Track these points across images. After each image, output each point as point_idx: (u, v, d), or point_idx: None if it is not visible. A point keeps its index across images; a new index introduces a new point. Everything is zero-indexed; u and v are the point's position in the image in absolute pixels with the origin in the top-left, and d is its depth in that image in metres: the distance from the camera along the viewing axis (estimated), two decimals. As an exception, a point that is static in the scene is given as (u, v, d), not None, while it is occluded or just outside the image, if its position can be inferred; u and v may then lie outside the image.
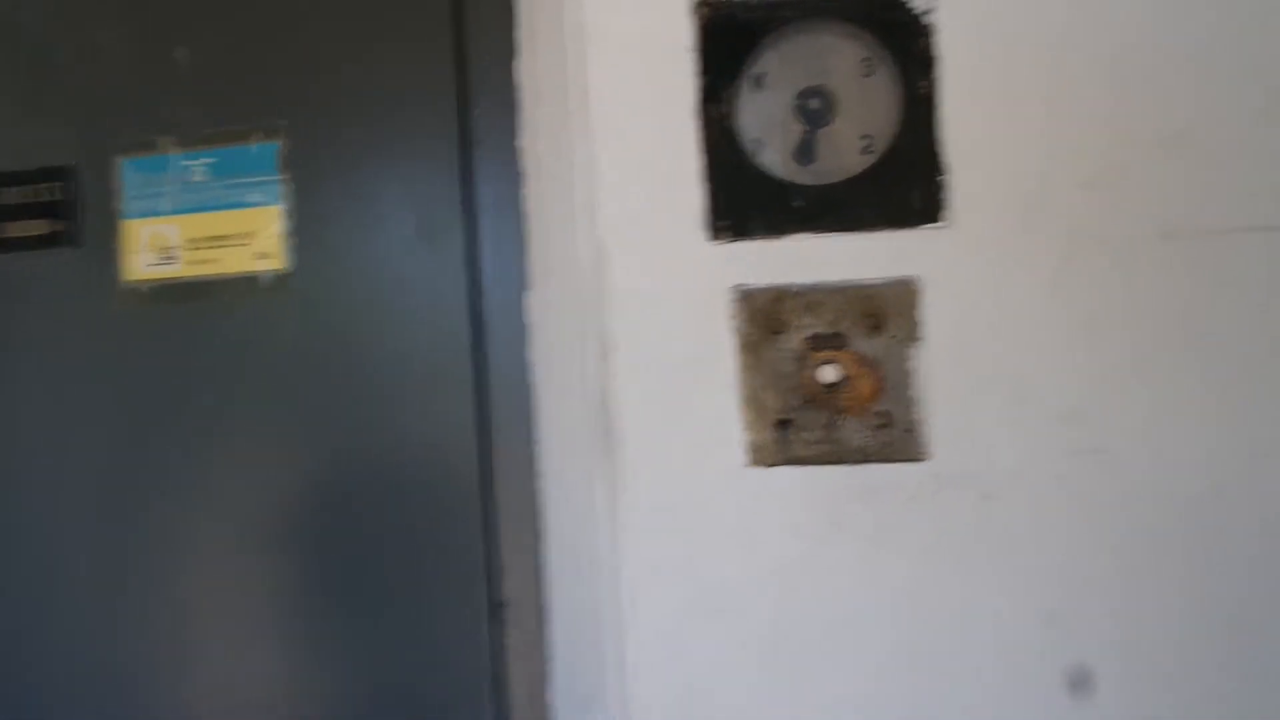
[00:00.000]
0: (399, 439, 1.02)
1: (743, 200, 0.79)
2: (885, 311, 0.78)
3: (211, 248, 1.08)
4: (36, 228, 1.11)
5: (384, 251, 1.03)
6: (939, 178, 0.77)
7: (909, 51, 0.77)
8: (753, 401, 0.79)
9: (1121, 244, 0.75)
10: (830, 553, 0.78)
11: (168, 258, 1.08)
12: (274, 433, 1.04)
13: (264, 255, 1.06)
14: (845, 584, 0.78)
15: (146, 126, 1.09)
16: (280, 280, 1.06)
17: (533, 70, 0.97)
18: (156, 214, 1.09)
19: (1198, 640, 0.74)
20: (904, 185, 0.77)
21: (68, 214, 1.11)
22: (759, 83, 0.79)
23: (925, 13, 0.76)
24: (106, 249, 1.09)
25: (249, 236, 1.07)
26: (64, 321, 1.09)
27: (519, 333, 1.01)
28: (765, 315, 0.79)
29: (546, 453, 0.99)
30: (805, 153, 0.79)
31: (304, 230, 1.05)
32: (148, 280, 1.09)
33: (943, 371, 0.77)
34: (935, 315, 0.77)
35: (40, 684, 1.08)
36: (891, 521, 0.78)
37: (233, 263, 1.07)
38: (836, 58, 0.79)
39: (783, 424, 0.79)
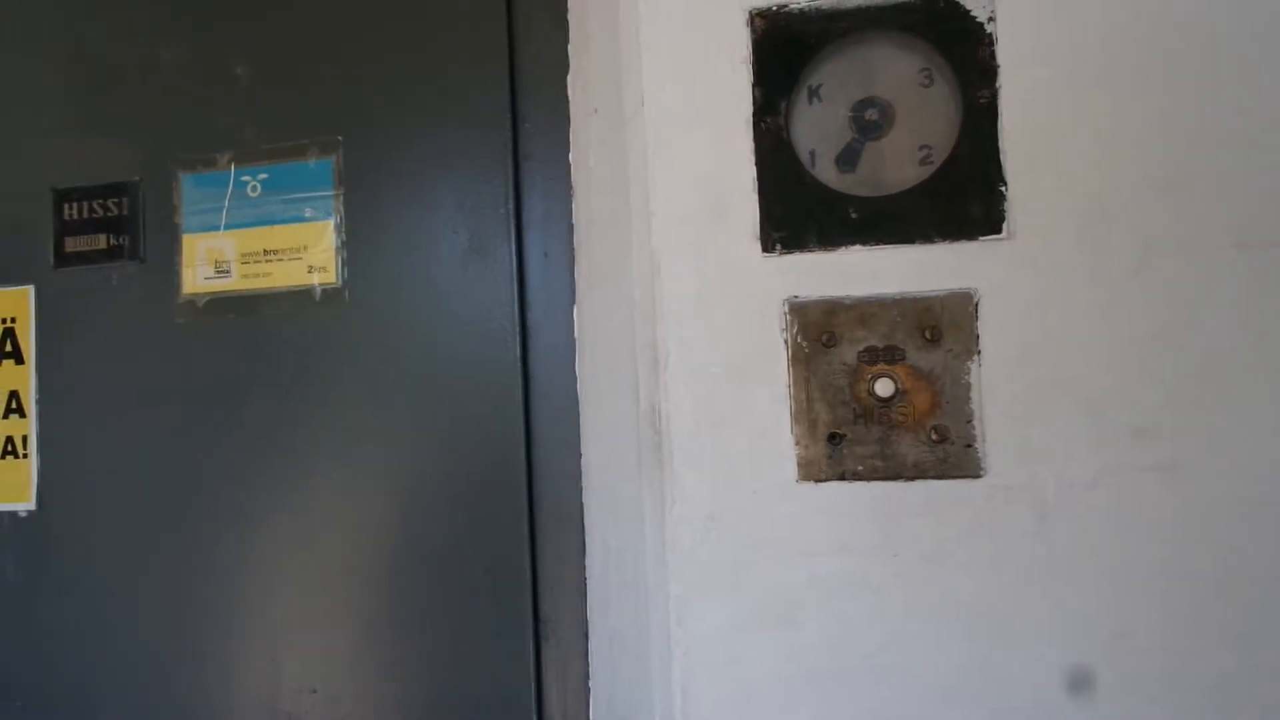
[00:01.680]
0: (448, 452, 1.03)
1: (797, 212, 0.79)
2: (942, 324, 0.76)
3: (266, 261, 1.10)
4: (99, 242, 1.14)
5: (435, 265, 1.04)
6: (999, 188, 0.75)
7: (968, 61, 0.76)
8: (805, 415, 0.78)
9: (1192, 253, 0.73)
10: (885, 569, 0.76)
11: (223, 271, 1.11)
12: (323, 445, 1.05)
13: (317, 269, 1.08)
14: (901, 602, 0.76)
15: (207, 143, 1.12)
16: (333, 294, 1.07)
17: (584, 84, 0.98)
18: (214, 229, 1.12)
19: (1271, 660, 0.70)
20: (963, 196, 0.76)
21: (130, 228, 1.14)
22: (815, 94, 0.79)
23: (985, 21, 0.75)
24: (167, 263, 1.12)
25: (303, 250, 1.09)
26: (126, 333, 1.12)
27: (567, 345, 1.01)
28: (818, 327, 0.78)
29: (592, 466, 0.99)
30: (860, 164, 0.78)
31: (356, 244, 1.07)
32: (204, 293, 1.11)
33: (1002, 385, 0.75)
34: (994, 328, 0.75)
35: (99, 685, 1.09)
36: (949, 539, 0.76)
37: (286, 276, 1.09)
38: (894, 68, 0.78)
39: (835, 438, 0.77)
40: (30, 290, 1.14)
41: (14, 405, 1.14)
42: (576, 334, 1.01)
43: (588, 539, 1.00)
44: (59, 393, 1.13)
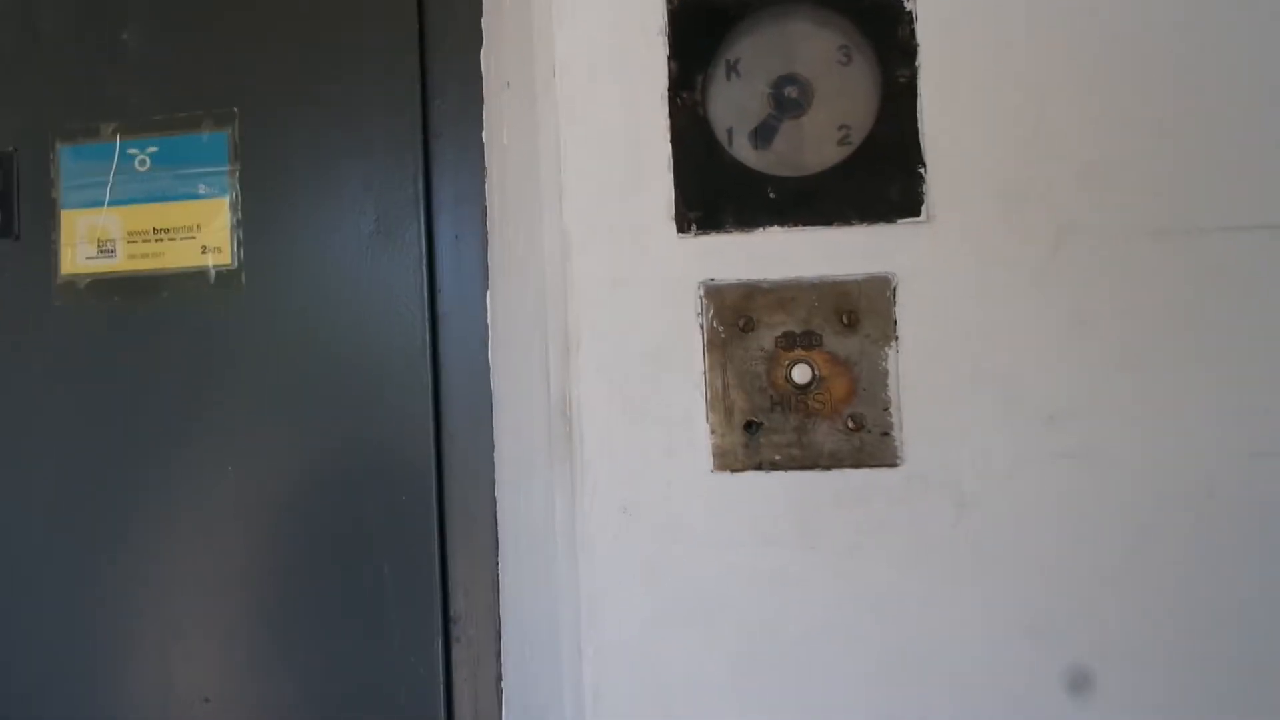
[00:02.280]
0: (352, 443, 0.97)
1: (713, 191, 0.76)
2: (860, 309, 0.74)
3: (155, 241, 1.02)
4: None
5: (338, 247, 0.99)
6: (918, 170, 0.73)
7: (888, 39, 0.74)
8: (721, 402, 0.75)
9: (1111, 240, 0.72)
10: (803, 561, 0.73)
11: (107, 251, 1.03)
12: (218, 435, 0.99)
13: (211, 249, 1.01)
14: (820, 593, 0.73)
15: (90, 112, 1.03)
16: (228, 276, 1.00)
17: (498, 59, 0.93)
18: (97, 204, 1.03)
19: (1193, 645, 0.70)
20: (882, 178, 0.74)
21: (3, 204, 1.05)
22: (733, 69, 0.76)
23: (905, -1, 0.74)
24: (43, 241, 1.03)
25: (196, 230, 1.02)
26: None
27: (478, 333, 0.96)
28: (735, 311, 0.75)
29: (505, 459, 0.94)
30: (779, 142, 0.76)
31: (254, 224, 1.00)
32: (85, 274, 1.03)
33: (920, 372, 0.73)
34: (912, 313, 0.74)
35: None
36: (867, 529, 0.74)
37: (177, 257, 1.02)
38: (814, 44, 0.76)
39: (752, 426, 0.74)
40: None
41: None
42: (489, 321, 0.96)
43: (500, 535, 0.95)
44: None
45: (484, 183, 0.96)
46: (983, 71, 0.73)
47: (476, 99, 0.96)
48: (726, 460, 0.75)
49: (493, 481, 0.96)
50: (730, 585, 0.75)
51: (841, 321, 0.74)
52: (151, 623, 0.98)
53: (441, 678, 0.94)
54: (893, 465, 0.73)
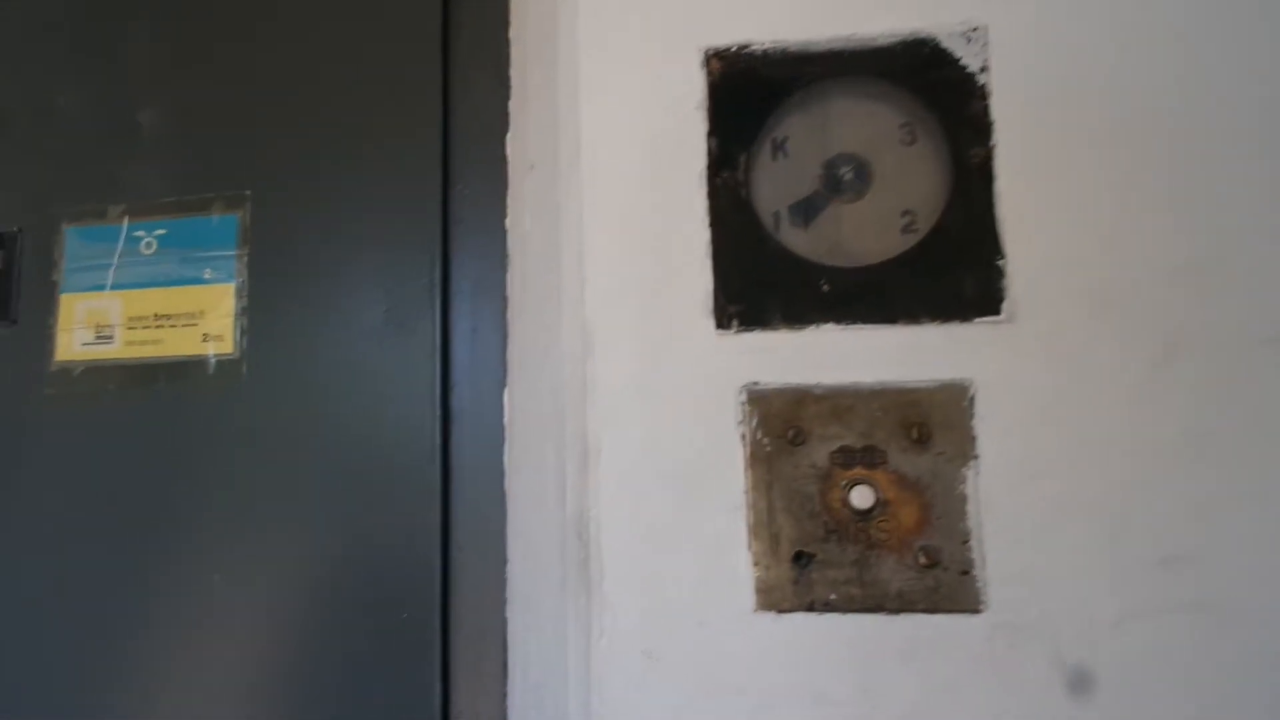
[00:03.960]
0: (353, 549, 0.87)
1: (758, 283, 0.66)
2: (932, 421, 0.63)
3: (156, 327, 0.95)
4: None
5: (347, 337, 0.90)
6: (996, 261, 0.63)
7: (958, 115, 0.65)
8: (765, 529, 0.63)
9: (1222, 346, 0.61)
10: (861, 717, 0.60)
11: (105, 337, 0.96)
12: (214, 534, 0.89)
13: (213, 337, 0.94)
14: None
15: (99, 193, 0.98)
16: (229, 365, 0.93)
17: (523, 140, 0.86)
18: (99, 288, 0.97)
19: None
20: (954, 270, 0.64)
21: (2, 285, 0.99)
22: (780, 148, 0.68)
23: (977, 71, 0.65)
24: (39, 325, 0.97)
25: (199, 316, 0.95)
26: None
27: (494, 434, 0.87)
28: (783, 421, 0.64)
29: (517, 575, 0.83)
30: (833, 229, 0.66)
31: (259, 310, 0.93)
32: (80, 360, 0.96)
33: (1006, 498, 0.62)
34: (994, 428, 0.62)
35: None
36: (940, 688, 0.61)
37: (177, 344, 0.94)
38: (872, 122, 0.67)
39: (802, 558, 0.63)
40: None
41: None
42: (506, 421, 0.86)
43: (510, 665, 0.83)
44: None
45: (505, 272, 0.88)
46: (1066, 152, 0.64)
47: (501, 183, 0.89)
48: (772, 598, 0.63)
49: (504, 601, 0.84)
50: (775, 751, 0.62)
51: (910, 436, 0.63)
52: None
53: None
54: (974, 611, 0.61)
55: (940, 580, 0.62)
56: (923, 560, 0.62)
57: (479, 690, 0.84)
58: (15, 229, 1.00)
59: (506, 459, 0.85)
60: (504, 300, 0.88)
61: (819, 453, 0.64)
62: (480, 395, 0.88)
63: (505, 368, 0.87)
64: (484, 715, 0.84)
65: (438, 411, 0.88)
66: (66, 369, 0.96)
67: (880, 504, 0.63)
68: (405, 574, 0.86)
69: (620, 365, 0.67)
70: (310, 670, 0.86)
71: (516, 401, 0.85)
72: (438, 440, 0.87)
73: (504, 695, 0.84)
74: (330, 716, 0.84)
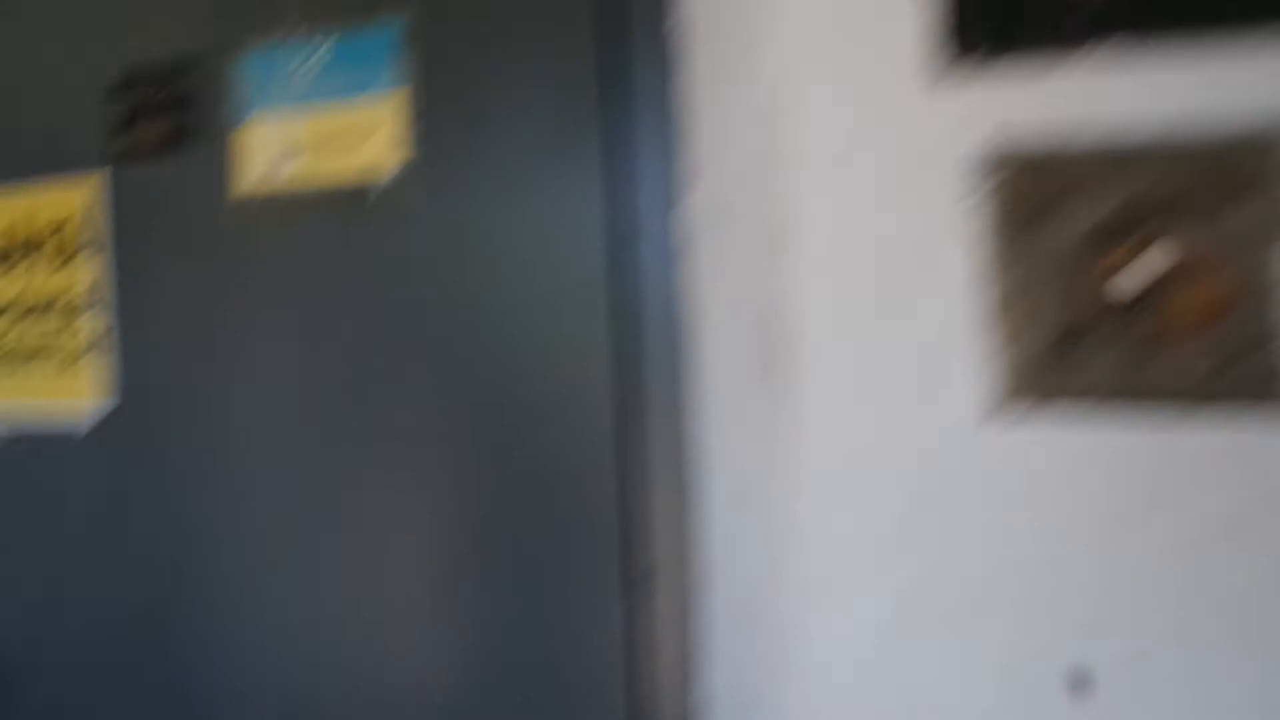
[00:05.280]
0: (521, 374, 0.84)
1: (995, 8, 0.51)
2: (1244, 178, 0.47)
3: (327, 147, 0.94)
4: (152, 132, 1.02)
5: (515, 137, 0.83)
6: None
7: None
8: (1009, 310, 0.52)
9: None
10: (1138, 548, 0.50)
11: (285, 159, 0.96)
12: (379, 365, 0.89)
13: (383, 153, 0.92)
14: (1159, 597, 0.50)
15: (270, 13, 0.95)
16: (396, 183, 0.90)
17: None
18: (274, 108, 0.97)
19: None
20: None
21: (187, 112, 1.01)
22: None
23: None
24: (216, 155, 0.98)
25: (367, 132, 0.92)
26: (181, 227, 0.99)
27: (670, 240, 0.77)
28: (1034, 180, 0.51)
29: (704, 390, 0.76)
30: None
31: (429, 124, 0.88)
32: (259, 189, 0.97)
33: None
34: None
35: (201, 617, 0.99)
36: (1246, 506, 0.48)
37: (348, 163, 0.93)
38: None
39: (1063, 344, 0.51)
40: (99, 179, 1.02)
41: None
42: (687, 221, 0.77)
43: (701, 482, 0.78)
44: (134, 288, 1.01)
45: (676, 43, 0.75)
46: None
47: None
48: (1018, 391, 0.52)
49: (687, 416, 0.78)
50: (1015, 572, 0.53)
51: (1213, 197, 0.48)
52: (310, 574, 0.91)
53: (619, 644, 0.80)
54: (1294, 411, 0.47)
55: (1245, 373, 0.48)
56: (1222, 350, 0.48)
57: (664, 513, 0.80)
58: (195, 52, 0.99)
59: (688, 263, 0.76)
60: (678, 78, 0.76)
61: (1083, 217, 0.50)
62: (656, 205, 0.78)
63: (682, 171, 0.76)
64: (671, 538, 0.80)
65: (603, 223, 0.79)
66: (250, 194, 0.97)
67: (1165, 281, 0.49)
68: (578, 394, 0.82)
69: (818, 126, 0.55)
70: (490, 495, 0.85)
71: (702, 198, 0.74)
72: (604, 254, 0.79)
73: (689, 517, 0.79)
74: (514, 544, 0.84)
